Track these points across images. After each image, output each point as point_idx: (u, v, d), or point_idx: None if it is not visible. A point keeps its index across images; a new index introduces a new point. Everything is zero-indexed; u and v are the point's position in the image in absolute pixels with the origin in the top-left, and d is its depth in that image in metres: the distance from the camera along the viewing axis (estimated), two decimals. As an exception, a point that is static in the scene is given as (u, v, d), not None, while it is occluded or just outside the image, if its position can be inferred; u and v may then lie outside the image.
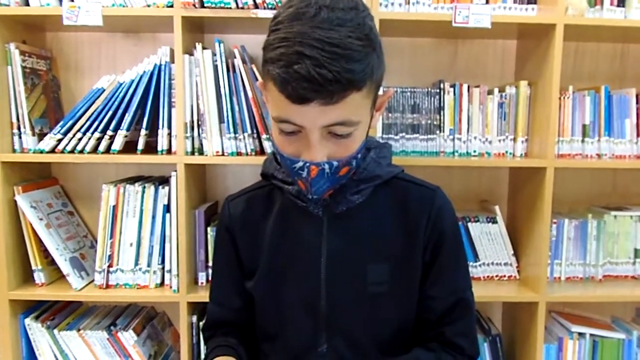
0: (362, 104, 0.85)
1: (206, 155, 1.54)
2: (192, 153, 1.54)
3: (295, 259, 1.01)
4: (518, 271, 1.71)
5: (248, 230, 1.06)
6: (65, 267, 1.57)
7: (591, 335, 1.70)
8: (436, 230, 1.01)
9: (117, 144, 1.53)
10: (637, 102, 1.65)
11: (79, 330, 1.60)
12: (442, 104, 1.63)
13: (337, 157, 0.87)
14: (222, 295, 1.12)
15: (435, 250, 1.02)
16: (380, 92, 0.93)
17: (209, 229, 1.60)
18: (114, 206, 1.57)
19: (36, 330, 1.60)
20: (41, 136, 1.56)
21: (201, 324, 1.58)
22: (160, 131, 1.54)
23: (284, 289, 1.02)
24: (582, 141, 1.64)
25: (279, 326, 1.04)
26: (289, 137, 0.87)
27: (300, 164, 0.87)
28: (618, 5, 1.60)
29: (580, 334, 1.69)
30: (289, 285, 1.02)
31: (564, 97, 1.62)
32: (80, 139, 1.52)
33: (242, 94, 1.53)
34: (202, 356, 1.51)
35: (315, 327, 1.00)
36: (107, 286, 1.59)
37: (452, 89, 1.63)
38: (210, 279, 1.20)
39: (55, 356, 1.61)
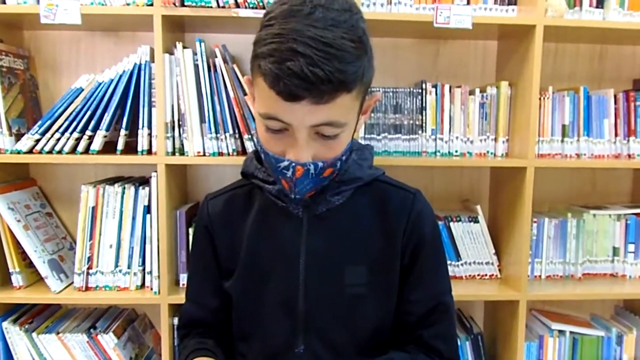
0: (350, 106, 0.85)
1: (187, 156, 1.53)
2: (173, 153, 1.53)
3: (274, 259, 1.00)
4: (499, 270, 1.73)
5: (227, 230, 1.05)
6: (43, 269, 1.55)
7: (571, 332, 1.72)
8: (415, 233, 1.01)
9: (97, 144, 1.51)
10: (615, 103, 1.68)
11: (58, 333, 1.57)
12: (424, 104, 1.63)
13: (322, 158, 0.87)
14: (198, 294, 1.11)
15: (415, 254, 1.02)
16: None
17: (190, 229, 1.59)
18: (93, 207, 1.55)
19: (14, 334, 1.57)
20: (18, 136, 1.53)
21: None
22: (140, 131, 1.52)
23: (262, 289, 1.01)
24: (562, 141, 1.66)
25: (256, 326, 1.03)
26: (275, 135, 0.86)
27: (286, 163, 0.86)
28: (597, 7, 1.62)
29: (561, 332, 1.71)
30: (267, 285, 1.01)
31: (544, 98, 1.63)
32: (58, 139, 1.50)
33: (223, 93, 1.52)
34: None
35: (293, 328, 0.99)
36: (87, 288, 1.57)
37: (434, 89, 1.64)
38: (187, 278, 1.19)
39: (33, 360, 1.58)
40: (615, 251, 1.76)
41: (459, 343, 1.61)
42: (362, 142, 1.56)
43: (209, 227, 1.07)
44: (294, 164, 0.86)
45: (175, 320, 1.58)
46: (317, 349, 0.99)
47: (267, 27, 0.81)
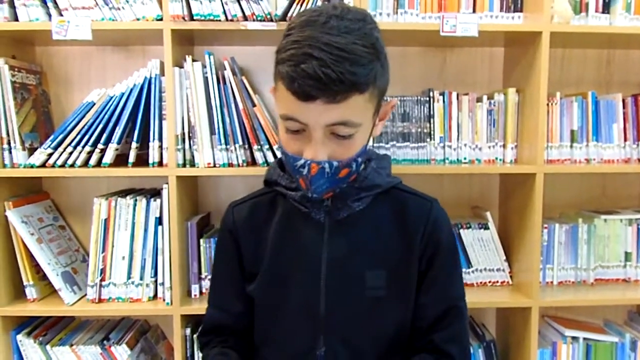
0: (364, 107, 0.89)
1: (198, 167, 1.54)
2: (184, 165, 1.54)
3: (297, 263, 1.03)
4: (511, 277, 1.72)
5: (251, 235, 1.08)
6: (57, 282, 1.56)
7: (584, 339, 1.70)
8: (432, 241, 1.04)
9: (108, 157, 1.52)
10: (623, 107, 1.67)
11: (71, 345, 1.58)
12: (431, 112, 1.64)
13: (338, 158, 0.91)
14: (222, 299, 1.14)
15: (431, 260, 1.04)
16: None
17: (201, 240, 1.60)
18: (105, 220, 1.57)
19: (28, 347, 1.58)
20: (31, 151, 1.55)
21: (194, 336, 1.58)
22: (151, 144, 1.54)
23: (284, 292, 1.04)
24: (571, 146, 1.66)
25: (278, 328, 1.06)
26: (294, 135, 0.91)
27: (302, 161, 0.91)
28: (603, 12, 1.62)
29: (574, 338, 1.70)
30: (289, 288, 1.03)
31: (551, 103, 1.63)
32: (71, 153, 1.52)
33: (232, 105, 1.54)
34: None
35: (314, 330, 1.01)
36: (100, 300, 1.58)
37: (441, 97, 1.64)
38: (210, 284, 1.20)
39: (48, 372, 1.59)
40: (627, 256, 1.75)
41: (471, 351, 1.61)
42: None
43: (234, 232, 1.10)
44: (309, 162, 0.90)
45: (188, 331, 1.58)
46: (338, 351, 1.01)
47: (287, 36, 0.88)
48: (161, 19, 1.48)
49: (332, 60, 0.81)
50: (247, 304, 1.09)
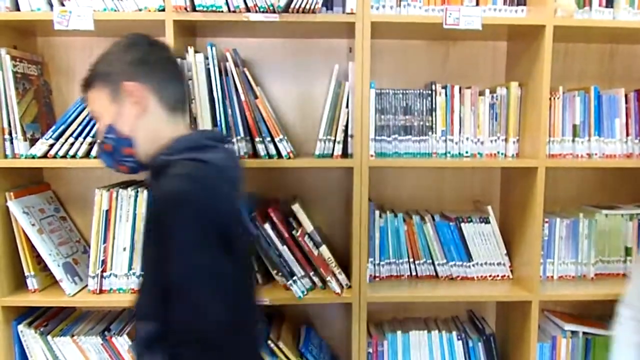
0: (95, 98, 1.13)
1: (199, 159, 1.54)
2: (185, 157, 1.54)
3: None
4: (511, 271, 1.73)
5: None
6: (58, 272, 1.57)
7: (584, 333, 1.71)
8: (157, 217, 1.03)
9: (110, 148, 1.52)
10: (626, 102, 1.67)
11: (72, 335, 1.59)
12: (434, 106, 1.64)
13: None
14: None
15: (158, 234, 1.03)
16: None
17: (202, 232, 1.60)
18: (106, 211, 1.57)
19: (29, 337, 1.59)
20: (33, 141, 1.55)
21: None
22: (152, 135, 1.53)
23: None
24: (573, 141, 1.66)
25: None
26: None
27: None
28: (606, 6, 1.62)
29: (573, 332, 1.70)
30: None
31: (554, 98, 1.63)
32: (72, 144, 1.52)
33: (234, 97, 1.53)
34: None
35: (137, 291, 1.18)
36: (101, 291, 1.58)
37: (443, 91, 1.64)
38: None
39: (49, 362, 1.60)
40: (627, 251, 1.75)
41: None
42: (372, 143, 1.57)
43: None
44: None
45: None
46: (139, 307, 1.14)
47: None
48: (163, 10, 1.48)
49: None
50: None
